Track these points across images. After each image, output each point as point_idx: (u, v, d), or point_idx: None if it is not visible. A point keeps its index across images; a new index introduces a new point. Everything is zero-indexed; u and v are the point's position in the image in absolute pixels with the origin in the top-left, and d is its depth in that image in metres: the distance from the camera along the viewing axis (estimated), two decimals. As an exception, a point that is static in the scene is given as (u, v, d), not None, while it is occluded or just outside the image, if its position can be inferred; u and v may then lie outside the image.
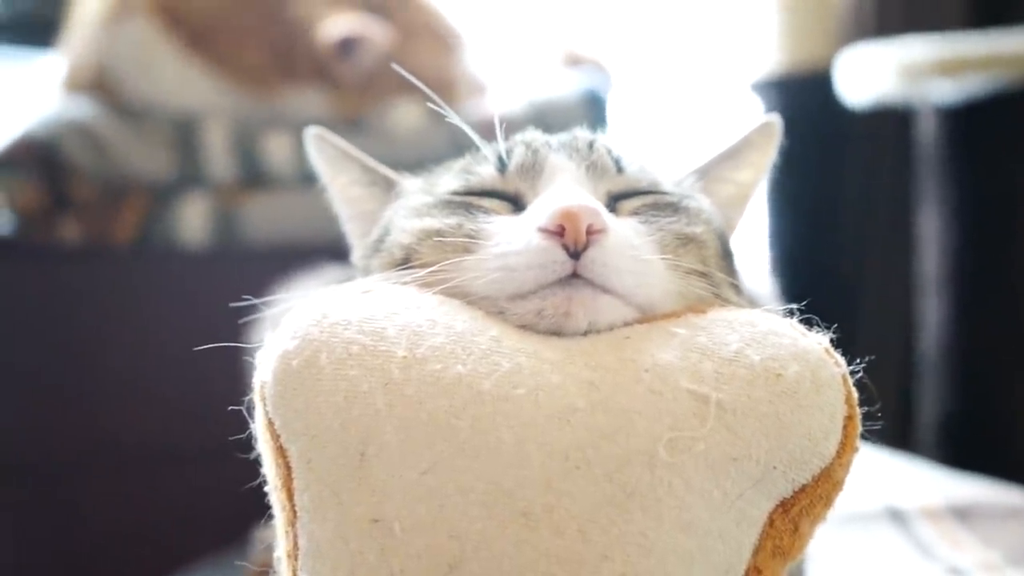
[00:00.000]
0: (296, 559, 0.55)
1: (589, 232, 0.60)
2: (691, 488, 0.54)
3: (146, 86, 1.73)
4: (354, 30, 1.72)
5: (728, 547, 0.55)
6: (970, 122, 1.94)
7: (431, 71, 1.78)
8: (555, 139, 0.75)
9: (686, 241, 0.68)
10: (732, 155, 0.79)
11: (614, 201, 0.70)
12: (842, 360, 0.59)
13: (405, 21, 1.84)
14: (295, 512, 0.55)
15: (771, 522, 0.57)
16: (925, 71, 1.70)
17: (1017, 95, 1.78)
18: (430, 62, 1.82)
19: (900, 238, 2.17)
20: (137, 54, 1.72)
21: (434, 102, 0.71)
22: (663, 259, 0.65)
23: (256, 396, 0.58)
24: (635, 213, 0.69)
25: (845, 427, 0.57)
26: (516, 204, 0.69)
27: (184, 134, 1.72)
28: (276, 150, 1.74)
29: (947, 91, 1.83)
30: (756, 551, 0.57)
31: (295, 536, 0.55)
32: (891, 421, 0.63)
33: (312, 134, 0.80)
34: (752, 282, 0.97)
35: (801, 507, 0.57)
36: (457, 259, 0.64)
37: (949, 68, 1.69)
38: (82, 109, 1.69)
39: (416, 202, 0.72)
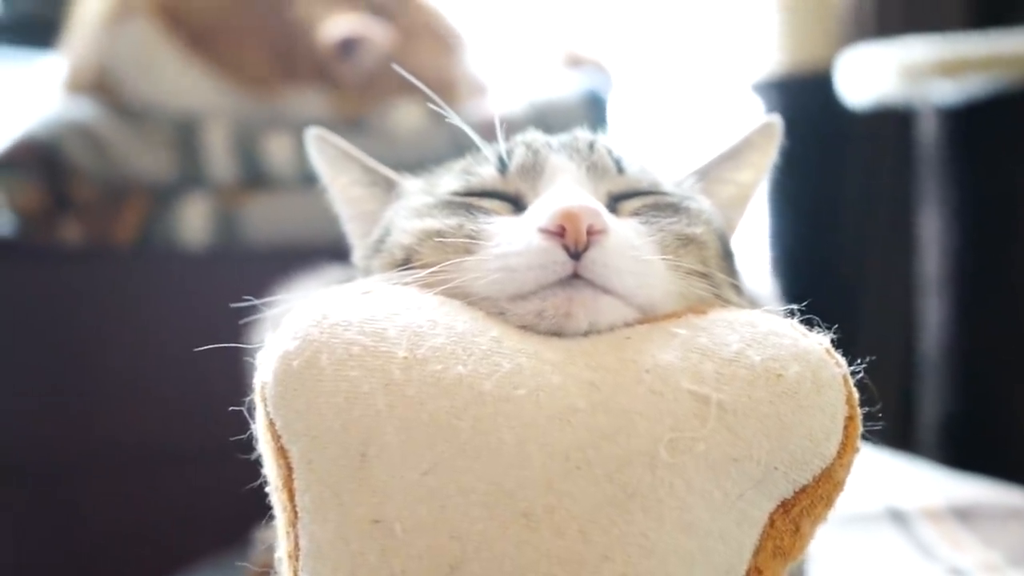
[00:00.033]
0: (297, 560, 0.55)
1: (590, 233, 0.60)
2: (692, 489, 0.54)
3: (147, 87, 1.73)
4: (355, 31, 1.72)
5: (729, 547, 0.55)
6: (970, 122, 1.94)
7: (432, 72, 1.78)
8: (556, 140, 0.75)
9: (687, 242, 0.68)
10: (732, 156, 0.79)
11: (615, 202, 0.70)
12: (843, 360, 0.59)
13: (406, 22, 1.84)
14: (296, 513, 0.55)
15: (772, 523, 0.57)
16: (925, 72, 1.70)
17: (1017, 95, 1.78)
18: (431, 63, 1.82)
19: (901, 238, 2.17)
20: (138, 55, 1.72)
21: (435, 103, 0.71)
22: (664, 260, 0.65)
23: (257, 397, 0.58)
24: (636, 214, 0.69)
25: (846, 427, 0.57)
26: (517, 205, 0.69)
27: (185, 135, 1.72)
28: (277, 151, 1.74)
29: (947, 92, 1.83)
30: (757, 551, 0.57)
31: (296, 537, 0.55)
32: (892, 422, 0.63)
33: (313, 135, 0.80)
34: (753, 283, 0.97)
35: (802, 508, 0.57)
36: (458, 260, 0.64)
37: (950, 69, 1.69)
38: (83, 110, 1.69)
39: (417, 203, 0.72)
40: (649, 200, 0.71)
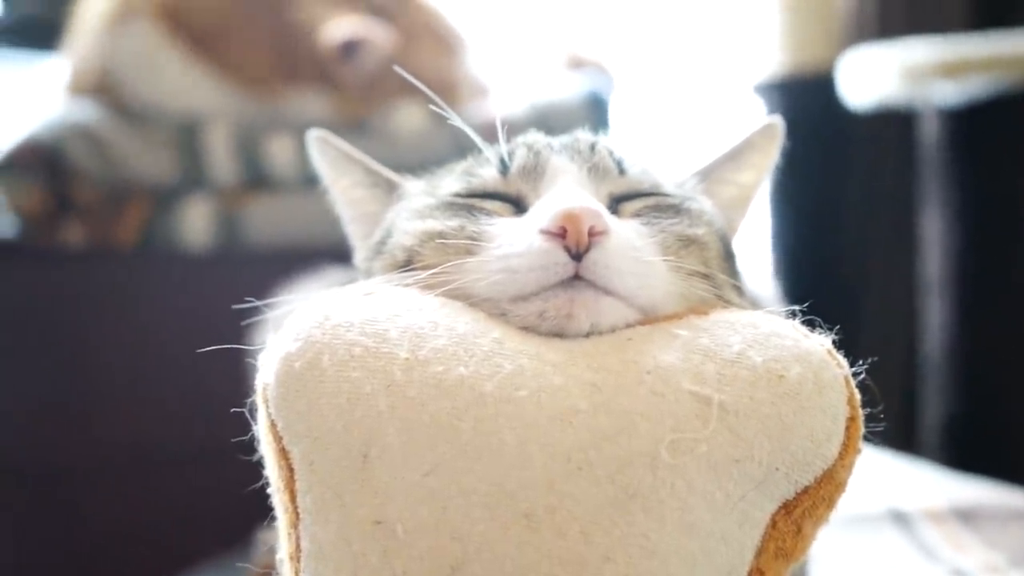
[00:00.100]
0: (299, 561, 0.55)
1: (591, 234, 0.60)
2: (693, 489, 0.54)
3: (149, 89, 1.73)
4: (356, 33, 1.72)
5: (730, 548, 0.55)
6: (972, 124, 1.94)
7: (433, 73, 1.78)
8: (557, 141, 0.75)
9: (688, 243, 0.68)
10: (734, 157, 0.80)
11: (616, 203, 0.70)
12: (844, 361, 0.59)
13: (407, 23, 1.84)
14: (298, 514, 0.55)
15: (774, 523, 0.57)
16: (927, 73, 1.70)
17: (1019, 96, 1.78)
18: (432, 64, 1.82)
19: (903, 240, 2.17)
20: (140, 57, 1.72)
21: (436, 104, 0.72)
22: (665, 261, 0.65)
23: (259, 398, 0.58)
24: (637, 215, 0.69)
25: (847, 428, 0.57)
26: (518, 206, 0.69)
27: (187, 137, 1.72)
28: (279, 153, 1.74)
29: (949, 93, 1.83)
30: (758, 552, 0.57)
31: (298, 538, 0.55)
32: (894, 423, 0.63)
33: (314, 136, 0.80)
34: (754, 284, 0.97)
35: (804, 508, 0.57)
36: (459, 261, 0.64)
37: (951, 70, 1.69)
38: (85, 112, 1.69)
39: (418, 204, 0.72)
40: (650, 201, 0.71)
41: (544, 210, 0.63)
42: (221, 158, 1.72)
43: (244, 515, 0.78)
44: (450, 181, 0.75)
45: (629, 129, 2.27)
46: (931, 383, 2.06)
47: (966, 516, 1.19)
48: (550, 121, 1.75)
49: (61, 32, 1.85)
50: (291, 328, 0.58)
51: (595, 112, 1.91)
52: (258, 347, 0.61)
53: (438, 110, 0.72)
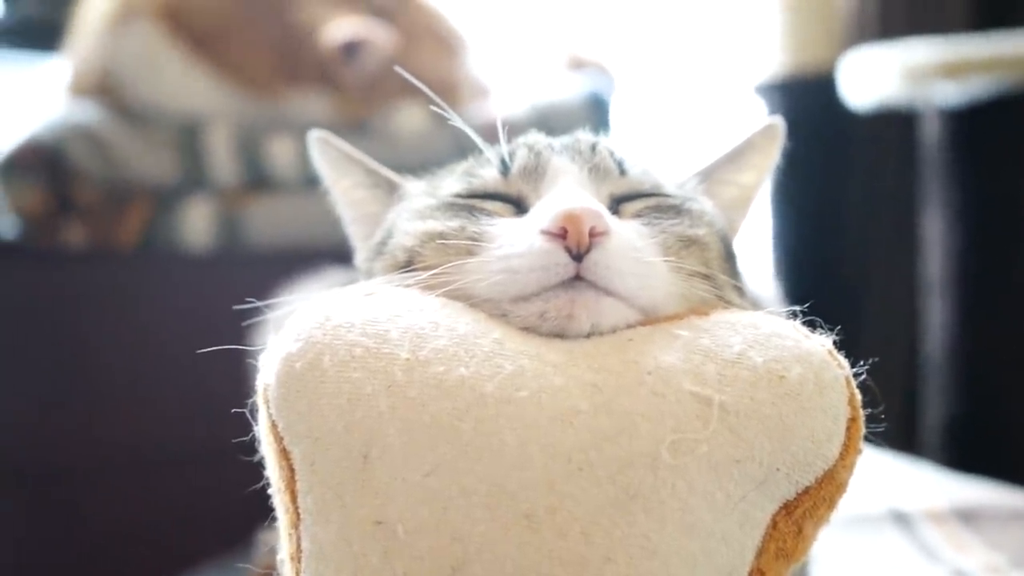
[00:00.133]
0: (299, 561, 0.55)
1: (592, 234, 0.60)
2: (694, 490, 0.54)
3: (150, 90, 1.74)
4: (357, 34, 1.72)
5: (731, 549, 0.55)
6: (974, 124, 1.93)
7: (434, 74, 1.78)
8: (558, 142, 0.75)
9: (689, 243, 0.68)
10: (735, 157, 0.79)
11: (617, 203, 0.70)
12: (845, 362, 0.59)
13: (408, 24, 1.84)
14: (298, 514, 0.55)
15: (774, 524, 0.57)
16: (928, 73, 1.70)
17: (1020, 97, 1.77)
18: (433, 65, 1.82)
19: (904, 240, 2.17)
20: (141, 58, 1.72)
21: (437, 105, 0.72)
22: (666, 261, 0.65)
23: (259, 399, 0.58)
24: (638, 215, 0.69)
25: (848, 429, 0.57)
26: (519, 207, 0.69)
27: (188, 138, 1.72)
28: (280, 153, 1.74)
29: (951, 93, 1.83)
30: (759, 553, 0.56)
31: (298, 538, 0.55)
32: (895, 423, 0.63)
33: (315, 137, 0.80)
34: (756, 285, 0.97)
35: (804, 509, 0.57)
36: (460, 261, 0.64)
37: (953, 70, 1.69)
38: (87, 113, 1.69)
39: (419, 204, 0.72)
40: (651, 202, 0.71)
41: (545, 211, 0.63)
42: (222, 159, 1.72)
43: (245, 516, 0.78)
44: (451, 182, 0.75)
45: (630, 130, 2.28)
46: (932, 383, 2.06)
47: (967, 517, 1.19)
48: (551, 122, 1.75)
49: (62, 33, 1.85)
50: (292, 329, 0.58)
51: (596, 113, 1.91)
52: (259, 348, 0.61)
53: (439, 111, 0.72)
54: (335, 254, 1.01)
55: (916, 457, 1.63)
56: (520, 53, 2.18)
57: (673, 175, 0.78)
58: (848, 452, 0.57)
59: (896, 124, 2.11)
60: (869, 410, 0.59)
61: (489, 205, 0.69)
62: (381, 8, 1.84)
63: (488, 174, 0.72)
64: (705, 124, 2.51)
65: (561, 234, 0.60)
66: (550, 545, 0.51)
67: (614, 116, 2.02)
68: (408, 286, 0.64)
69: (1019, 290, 1.96)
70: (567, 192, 0.66)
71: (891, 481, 1.33)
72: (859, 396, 0.58)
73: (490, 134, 0.74)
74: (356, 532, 0.53)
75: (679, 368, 0.57)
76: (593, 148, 0.73)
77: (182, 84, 1.74)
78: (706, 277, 0.67)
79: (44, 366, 1.64)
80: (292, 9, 1.77)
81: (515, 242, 0.63)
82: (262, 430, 0.58)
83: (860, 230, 2.26)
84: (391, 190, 0.79)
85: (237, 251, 1.71)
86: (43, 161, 1.60)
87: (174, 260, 1.69)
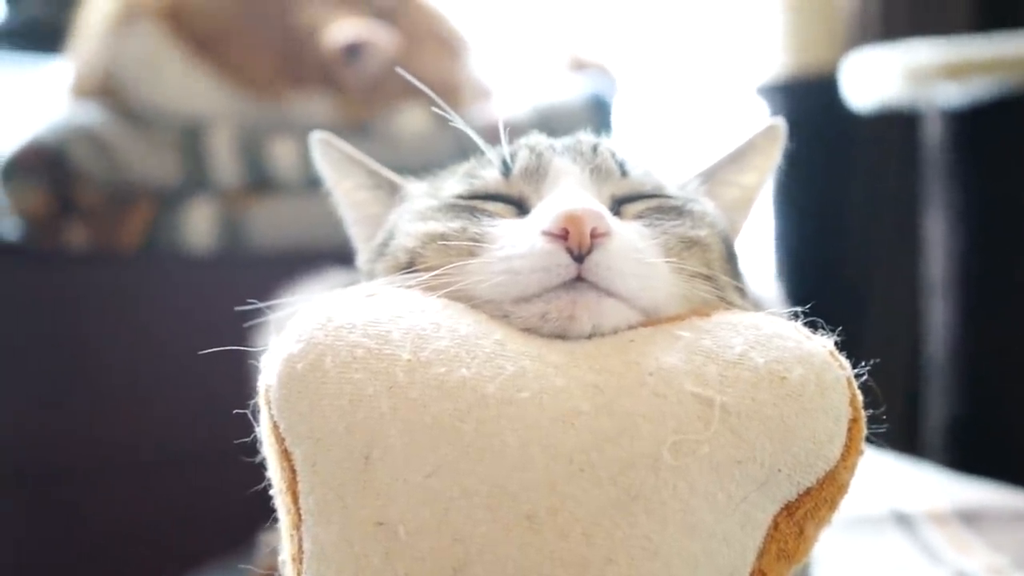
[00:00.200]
0: (301, 562, 0.55)
1: (593, 235, 0.60)
2: (695, 491, 0.54)
3: (153, 91, 1.74)
4: (360, 35, 1.72)
5: (732, 550, 0.55)
6: (976, 125, 1.93)
7: (436, 76, 1.78)
8: (559, 143, 0.75)
9: (690, 244, 0.68)
10: (736, 158, 0.79)
11: (618, 205, 0.70)
12: (846, 363, 0.59)
13: (410, 26, 1.85)
14: (300, 515, 0.55)
15: (776, 525, 0.57)
16: (931, 75, 1.70)
17: (1022, 98, 1.77)
18: (435, 67, 1.82)
19: (906, 241, 2.17)
20: (143, 59, 1.72)
21: (439, 107, 0.72)
22: (667, 262, 0.65)
23: (261, 400, 0.58)
24: (639, 216, 0.69)
25: (850, 430, 0.57)
26: (520, 208, 0.69)
27: (190, 139, 1.72)
28: (282, 155, 1.74)
29: (953, 95, 1.83)
30: (761, 554, 0.56)
31: (300, 539, 0.55)
32: (898, 425, 0.63)
33: (317, 138, 0.80)
34: (758, 286, 0.97)
35: (806, 510, 0.57)
36: (461, 263, 0.64)
37: (955, 72, 1.69)
38: (89, 115, 1.70)
39: (420, 206, 0.73)
40: (653, 203, 0.71)
41: (546, 212, 0.63)
42: (224, 160, 1.73)
43: (247, 517, 0.78)
44: (452, 183, 0.75)
45: (632, 131, 2.28)
46: (934, 385, 2.06)
47: (969, 518, 1.19)
48: (552, 123, 1.75)
49: (65, 35, 1.85)
50: (294, 330, 0.58)
51: (598, 114, 1.91)
52: (261, 349, 0.61)
53: (440, 112, 0.72)
54: (337, 255, 1.01)
55: (918, 458, 1.63)
56: (522, 54, 2.18)
57: (675, 176, 0.78)
58: (850, 453, 0.57)
59: (898, 125, 2.11)
60: (871, 411, 0.59)
61: (490, 206, 0.69)
62: (383, 10, 1.84)
63: (490, 175, 0.72)
64: (707, 125, 2.51)
65: (562, 235, 0.60)
66: (551, 546, 0.51)
67: (616, 117, 2.02)
68: (410, 287, 0.64)
69: (1021, 291, 1.96)
70: (568, 193, 0.66)
71: (893, 482, 1.33)
72: (861, 397, 0.58)
73: (492, 135, 0.74)
74: (357, 533, 0.53)
75: (681, 369, 0.57)
76: (595, 149, 0.73)
77: (184, 86, 1.74)
78: (708, 278, 0.67)
79: (46, 367, 1.64)
80: (294, 11, 1.77)
81: (516, 243, 0.63)
82: (264, 431, 0.58)
83: (862, 231, 2.26)
84: (393, 191, 0.79)
85: (239, 252, 1.71)
86: (45, 163, 1.60)
87: (176, 261, 1.69)
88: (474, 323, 0.60)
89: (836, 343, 0.61)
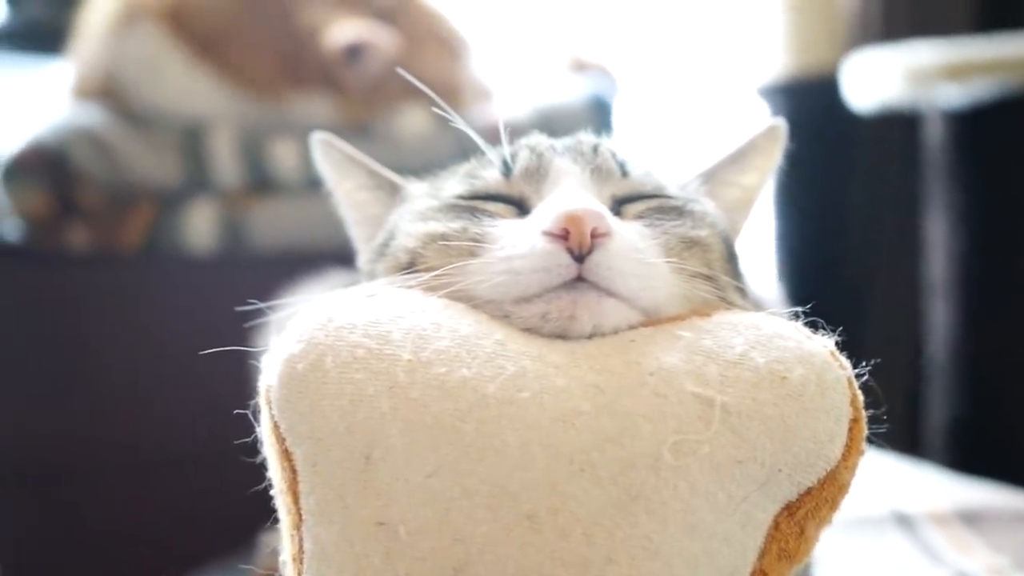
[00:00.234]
0: (302, 562, 0.55)
1: (594, 235, 0.60)
2: (696, 491, 0.54)
3: (153, 92, 1.74)
4: (361, 37, 1.73)
5: (733, 550, 0.55)
6: (977, 126, 1.93)
7: (436, 76, 1.78)
8: (560, 143, 0.75)
9: (691, 244, 0.68)
10: (737, 159, 0.79)
11: (619, 205, 0.70)
12: (847, 363, 0.59)
13: (410, 27, 1.85)
14: (300, 515, 0.55)
15: (776, 525, 0.57)
16: (932, 75, 1.70)
17: (1023, 99, 1.77)
18: (435, 67, 1.82)
19: (907, 242, 2.17)
20: (145, 60, 1.73)
21: (440, 107, 0.72)
22: (668, 262, 0.65)
23: (262, 400, 0.58)
24: (640, 217, 0.69)
25: (851, 430, 0.57)
26: (521, 208, 0.69)
27: (191, 140, 1.72)
28: (283, 156, 1.74)
29: (954, 95, 1.83)
30: (761, 554, 0.56)
31: (300, 539, 0.55)
32: (898, 425, 0.63)
33: (318, 139, 0.80)
34: (759, 286, 0.97)
35: (807, 510, 0.57)
36: (462, 263, 0.64)
37: (956, 72, 1.69)
38: (90, 116, 1.70)
39: (421, 206, 0.73)
40: (653, 203, 0.71)
41: (547, 212, 0.63)
42: (225, 161, 1.73)
43: (247, 517, 0.78)
44: (453, 183, 0.75)
45: (633, 132, 2.28)
46: (935, 385, 2.06)
47: (970, 519, 1.19)
48: (553, 124, 1.75)
49: (66, 36, 1.85)
50: (294, 330, 0.58)
51: (598, 115, 1.91)
52: (261, 349, 0.61)
53: (441, 113, 0.72)
54: (338, 256, 1.01)
55: (919, 459, 1.63)
56: (522, 55, 2.18)
57: (675, 177, 0.78)
58: (850, 453, 0.57)
59: (899, 126, 2.11)
60: (872, 411, 0.59)
61: (491, 206, 0.69)
62: (383, 11, 1.84)
63: (490, 175, 0.72)
64: (708, 126, 2.51)
65: (563, 235, 0.60)
66: (552, 546, 0.51)
67: (617, 118, 2.02)
68: (410, 287, 0.64)
69: (1022, 291, 1.96)
70: (569, 193, 0.66)
71: (894, 483, 1.33)
72: (861, 397, 0.58)
73: (492, 136, 0.74)
74: (358, 533, 0.53)
75: (681, 369, 0.57)
76: (595, 149, 0.73)
77: (185, 87, 1.74)
78: (708, 278, 0.67)
79: (47, 367, 1.64)
80: (295, 12, 1.77)
81: (517, 243, 0.63)
82: (264, 431, 0.58)
83: (863, 232, 2.26)
84: (393, 192, 0.79)
85: (240, 253, 1.71)
86: (47, 164, 1.61)
87: (177, 262, 1.69)
88: (475, 323, 0.60)
89: (837, 343, 0.60)
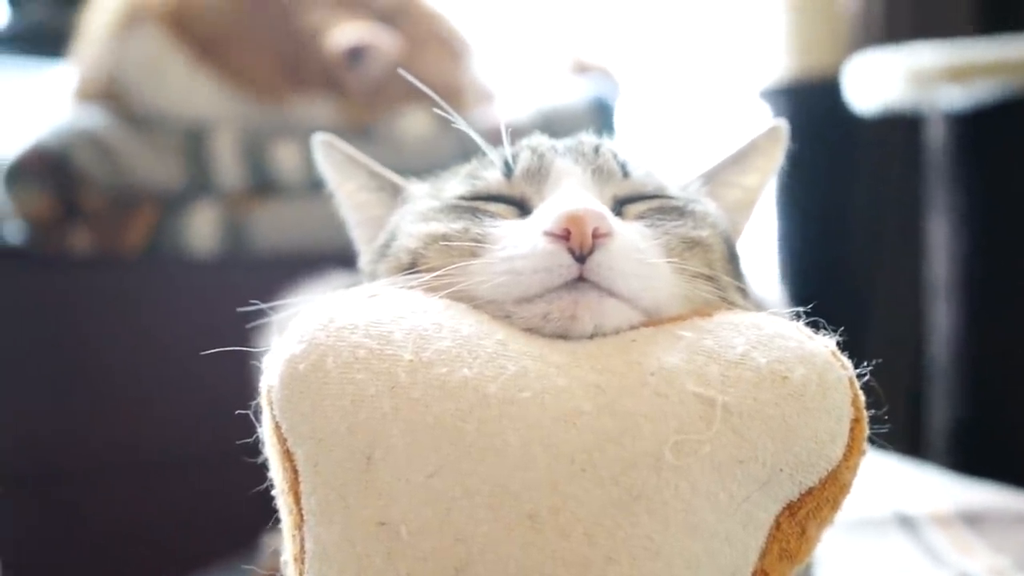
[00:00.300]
0: (303, 563, 0.55)
1: (595, 236, 0.60)
2: (697, 491, 0.54)
3: (155, 95, 1.74)
4: (362, 39, 1.73)
5: (735, 550, 0.55)
6: (979, 128, 1.93)
7: (438, 78, 1.78)
8: (561, 144, 0.75)
9: (692, 245, 0.68)
10: (739, 160, 0.80)
11: (620, 205, 0.70)
12: (848, 363, 0.59)
13: (412, 29, 1.85)
14: (302, 516, 0.55)
15: (778, 525, 0.57)
16: (934, 77, 1.70)
17: (1025, 100, 1.78)
18: (437, 69, 1.83)
19: (909, 244, 2.17)
20: (146, 63, 1.73)
21: (442, 109, 0.72)
22: (669, 263, 0.65)
23: (263, 400, 0.58)
24: (641, 217, 0.69)
25: (852, 430, 0.57)
26: (522, 208, 0.69)
27: (193, 143, 1.73)
28: (285, 158, 1.75)
29: (956, 97, 1.83)
30: (763, 554, 0.56)
31: (302, 540, 0.55)
32: (901, 426, 0.63)
33: (320, 140, 0.80)
34: (760, 287, 0.97)
35: (808, 510, 0.57)
36: (463, 263, 0.64)
37: (958, 74, 1.69)
38: (93, 119, 1.70)
39: (423, 207, 0.73)
40: (654, 204, 0.71)
41: (548, 212, 0.63)
42: (227, 164, 1.73)
43: (249, 517, 0.78)
44: (454, 184, 0.75)
45: (634, 134, 2.28)
46: (937, 387, 2.06)
47: (972, 520, 1.19)
48: (555, 126, 1.75)
49: (68, 39, 1.86)
50: (295, 330, 0.58)
51: (600, 117, 1.91)
52: (263, 350, 0.61)
53: (443, 115, 0.72)
54: (340, 258, 1.01)
55: (921, 460, 1.63)
56: (524, 57, 2.19)
57: (677, 177, 0.78)
58: (852, 453, 0.57)
59: (901, 128, 2.11)
60: (873, 412, 0.59)
61: (492, 207, 0.69)
62: (385, 13, 1.84)
63: (492, 176, 0.72)
64: (709, 128, 2.51)
65: (564, 235, 0.60)
66: (553, 546, 0.51)
67: (618, 120, 2.02)
68: (412, 288, 0.64)
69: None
70: (570, 194, 0.66)
71: (896, 484, 1.33)
72: (863, 397, 0.58)
73: (494, 138, 0.74)
74: (360, 533, 0.53)
75: (682, 369, 0.57)
76: (596, 150, 0.73)
77: (187, 89, 1.75)
78: (709, 278, 0.67)
79: (49, 370, 1.64)
80: (297, 14, 1.78)
81: (518, 244, 0.63)
82: (266, 432, 0.58)
83: (865, 233, 2.26)
84: (395, 193, 0.79)
85: (242, 256, 1.71)
86: (49, 167, 1.61)
87: (180, 265, 1.70)
88: (476, 323, 0.60)
89: (838, 344, 0.60)
